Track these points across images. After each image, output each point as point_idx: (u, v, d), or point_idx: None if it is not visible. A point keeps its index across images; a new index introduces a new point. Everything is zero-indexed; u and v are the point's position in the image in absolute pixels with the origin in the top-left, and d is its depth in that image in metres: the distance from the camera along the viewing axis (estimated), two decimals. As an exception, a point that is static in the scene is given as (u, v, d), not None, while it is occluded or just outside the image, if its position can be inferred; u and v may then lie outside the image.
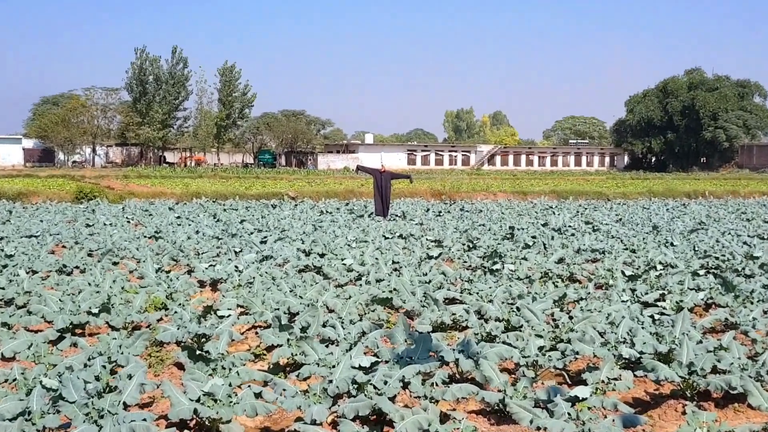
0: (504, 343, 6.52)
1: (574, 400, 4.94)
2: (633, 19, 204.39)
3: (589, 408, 4.87)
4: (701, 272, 10.68)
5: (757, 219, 20.66)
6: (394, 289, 8.92)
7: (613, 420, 4.59)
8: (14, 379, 5.48)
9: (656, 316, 7.75)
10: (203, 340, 6.83)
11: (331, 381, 5.19)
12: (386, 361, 5.80)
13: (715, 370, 5.75)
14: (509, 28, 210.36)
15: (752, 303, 8.42)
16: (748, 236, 15.68)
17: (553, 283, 9.96)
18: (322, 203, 27.42)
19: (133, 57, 74.84)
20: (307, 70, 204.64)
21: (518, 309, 7.69)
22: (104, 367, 5.57)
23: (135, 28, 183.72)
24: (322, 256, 12.33)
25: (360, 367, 5.40)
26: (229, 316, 7.51)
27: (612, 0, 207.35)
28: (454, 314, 7.79)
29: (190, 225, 17.85)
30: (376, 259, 11.48)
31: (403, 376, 5.25)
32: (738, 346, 6.27)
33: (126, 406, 4.80)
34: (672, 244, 14.07)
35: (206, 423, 4.83)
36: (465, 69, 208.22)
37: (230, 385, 5.14)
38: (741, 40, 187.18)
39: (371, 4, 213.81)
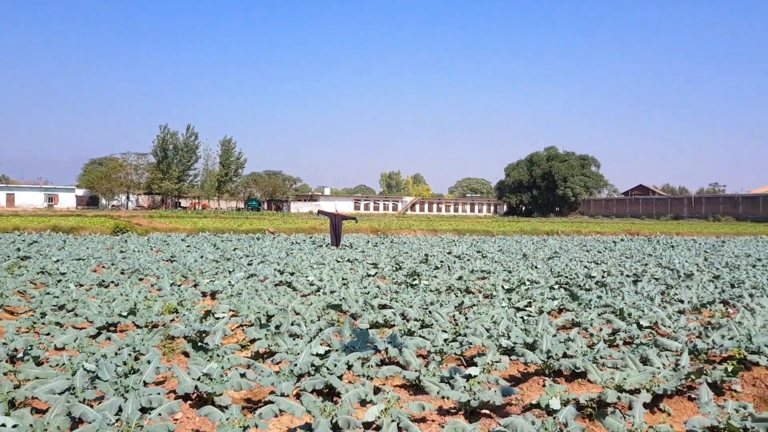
0: (420, 336, 6.55)
1: (468, 377, 4.99)
2: (511, 110, 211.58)
3: (478, 382, 4.91)
4: (556, 287, 10.92)
5: (593, 250, 21.24)
6: (343, 298, 8.85)
7: (495, 391, 4.64)
8: (63, 364, 5.25)
9: (525, 317, 7.86)
10: (203, 335, 6.66)
11: (296, 364, 5.11)
12: (336, 350, 5.76)
13: (565, 355, 5.87)
14: (428, 110, 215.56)
15: (590, 308, 8.63)
16: (588, 262, 16.13)
17: (455, 294, 10.04)
18: (293, 236, 27.10)
19: (158, 131, 76.05)
20: (283, 139, 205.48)
21: (430, 312, 7.76)
22: (130, 354, 5.38)
23: (157, 106, 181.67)
24: (292, 274, 12.17)
25: (317, 354, 5.36)
26: (223, 317, 7.36)
27: (494, 90, 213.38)
28: (385, 316, 7.75)
29: (196, 251, 17.41)
30: (331, 276, 11.39)
31: (348, 360, 5.21)
32: (580, 338, 6.40)
33: (145, 384, 4.64)
34: (536, 267, 14.31)
35: (204, 395, 4.69)
36: (395, 141, 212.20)
37: (222, 368, 5.03)
38: (583, 125, 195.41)
39: (330, 96, 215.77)
